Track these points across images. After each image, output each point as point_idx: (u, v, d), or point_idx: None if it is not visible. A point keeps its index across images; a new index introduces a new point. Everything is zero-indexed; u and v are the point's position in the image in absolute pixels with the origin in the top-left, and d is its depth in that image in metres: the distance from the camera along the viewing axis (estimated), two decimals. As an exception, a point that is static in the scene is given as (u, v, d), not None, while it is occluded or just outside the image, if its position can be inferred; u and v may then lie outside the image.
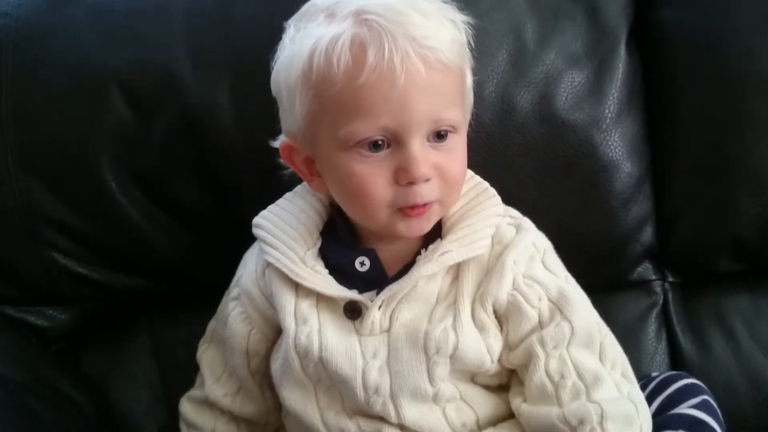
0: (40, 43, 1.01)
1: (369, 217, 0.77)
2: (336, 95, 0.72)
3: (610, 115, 0.99)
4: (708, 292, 1.07)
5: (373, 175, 0.74)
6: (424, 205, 0.76)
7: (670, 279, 1.08)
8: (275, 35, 0.79)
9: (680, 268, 1.08)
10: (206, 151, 1.00)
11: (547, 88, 0.98)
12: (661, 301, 1.07)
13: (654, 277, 1.08)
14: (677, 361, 1.05)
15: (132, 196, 1.02)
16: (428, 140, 0.75)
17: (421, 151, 0.73)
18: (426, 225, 0.78)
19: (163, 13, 1.00)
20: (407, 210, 0.76)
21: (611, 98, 0.99)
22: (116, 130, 1.00)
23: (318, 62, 0.72)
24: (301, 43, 0.74)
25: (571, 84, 0.98)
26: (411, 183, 0.74)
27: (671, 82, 1.02)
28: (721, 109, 0.99)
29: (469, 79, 0.80)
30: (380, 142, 0.74)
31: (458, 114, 0.77)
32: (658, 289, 1.08)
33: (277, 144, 0.82)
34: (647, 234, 1.04)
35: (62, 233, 1.03)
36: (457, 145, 0.77)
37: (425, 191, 0.75)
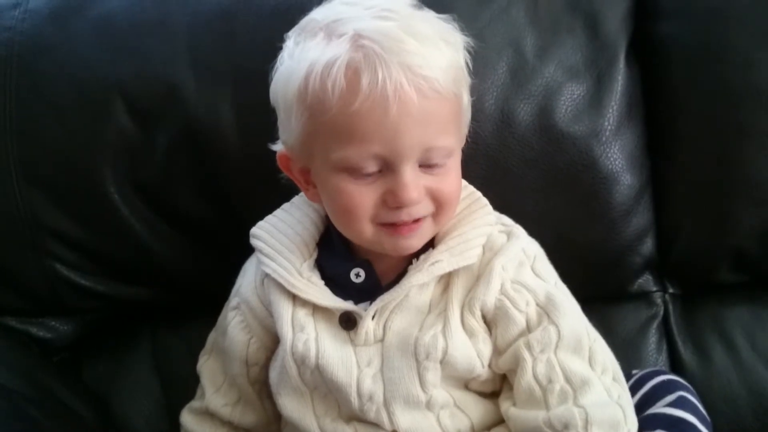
0: (45, 56, 1.02)
1: (356, 233, 0.78)
2: (330, 121, 0.72)
3: (609, 127, 1.00)
4: (708, 304, 1.07)
5: (362, 196, 0.75)
6: (414, 221, 0.76)
7: (671, 290, 1.09)
8: (276, 48, 0.80)
9: (681, 280, 1.08)
10: (208, 162, 1.01)
11: (546, 100, 0.98)
12: (661, 313, 1.07)
13: (654, 289, 1.08)
14: (677, 372, 1.02)
15: (135, 208, 1.03)
16: (420, 165, 0.75)
17: (411, 178, 0.74)
18: (416, 242, 0.78)
19: (165, 27, 1.01)
20: (395, 226, 0.76)
21: (611, 110, 1.00)
22: (119, 143, 1.01)
23: (313, 85, 0.72)
24: (298, 61, 0.74)
25: (570, 96, 0.99)
26: (399, 207, 0.75)
27: (670, 94, 1.02)
28: (721, 120, 1.00)
29: (465, 100, 0.79)
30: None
31: (451, 140, 0.77)
32: (659, 301, 1.08)
33: (275, 148, 0.83)
34: (647, 245, 1.04)
35: (65, 244, 1.04)
36: (451, 168, 0.78)
37: (414, 210, 0.75)
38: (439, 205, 0.77)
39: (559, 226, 1.00)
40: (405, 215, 0.75)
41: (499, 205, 0.86)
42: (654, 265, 1.07)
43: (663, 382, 0.87)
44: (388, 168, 0.74)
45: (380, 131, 0.71)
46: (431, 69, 0.71)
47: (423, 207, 0.76)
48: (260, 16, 1.00)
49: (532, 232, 0.85)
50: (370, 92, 0.70)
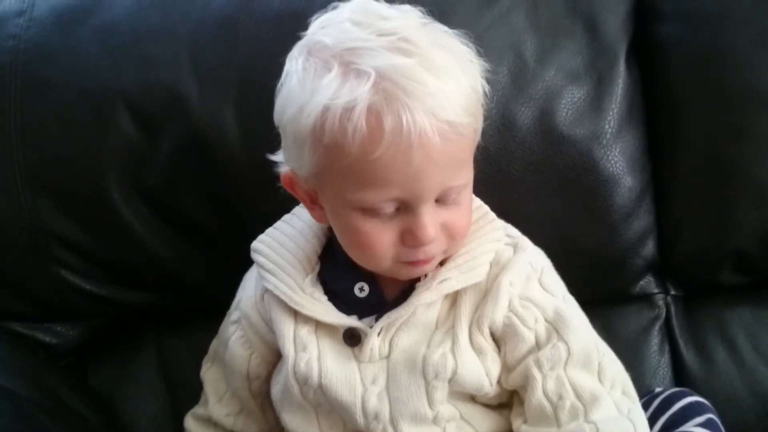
0: (49, 63, 1.02)
1: (371, 266, 0.77)
2: (348, 164, 0.69)
3: (610, 130, 1.00)
4: (710, 305, 1.07)
5: (380, 235, 0.73)
6: (429, 258, 0.76)
7: (673, 292, 1.09)
8: (280, 54, 0.79)
9: (682, 281, 1.08)
10: (212, 168, 1.01)
11: (547, 104, 0.99)
12: (663, 315, 1.07)
13: (656, 291, 1.08)
14: (680, 375, 1.05)
15: (139, 213, 1.03)
16: (436, 200, 0.73)
17: (430, 217, 0.72)
18: (429, 268, 0.78)
19: (169, 33, 1.01)
20: (411, 263, 0.76)
21: (611, 113, 1.00)
22: (123, 148, 1.01)
23: (331, 127, 0.68)
24: (312, 95, 0.70)
25: (571, 100, 0.99)
26: (416, 246, 0.74)
27: (671, 96, 1.02)
28: (721, 122, 1.00)
29: (480, 128, 0.77)
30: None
31: (468, 175, 0.76)
32: (661, 303, 1.08)
33: (275, 158, 0.82)
34: (649, 248, 1.04)
35: (70, 250, 1.05)
36: (464, 199, 0.76)
37: (429, 248, 0.75)
38: (451, 239, 0.76)
39: (560, 229, 1.00)
40: (422, 254, 0.75)
41: (501, 209, 0.86)
42: (656, 267, 1.07)
43: (692, 404, 0.88)
44: (406, 208, 0.72)
45: (401, 177, 0.69)
46: (455, 111, 0.69)
47: (437, 245, 0.75)
48: (263, 22, 1.00)
49: (534, 235, 0.85)
50: (392, 140, 0.67)
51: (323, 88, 0.69)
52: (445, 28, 0.76)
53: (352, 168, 0.70)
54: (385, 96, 0.67)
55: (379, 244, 0.74)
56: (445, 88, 0.69)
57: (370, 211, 0.72)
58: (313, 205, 0.79)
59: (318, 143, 0.70)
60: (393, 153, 0.68)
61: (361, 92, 0.67)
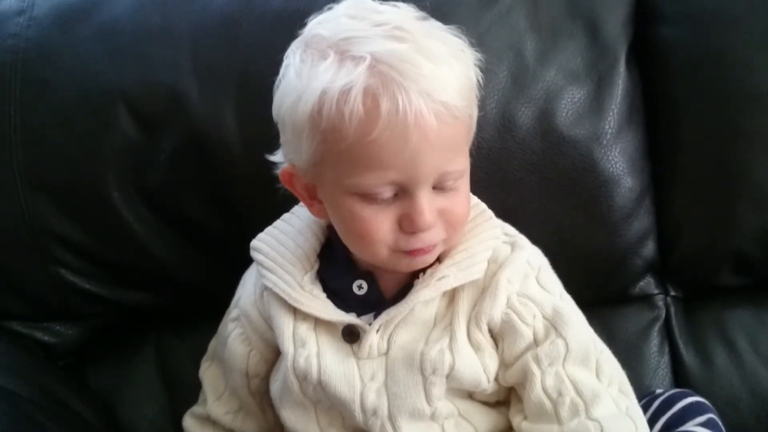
0: (49, 62, 1.03)
1: (370, 255, 0.77)
2: (346, 148, 0.70)
3: (610, 130, 1.00)
4: (710, 306, 1.07)
5: (378, 221, 0.74)
6: (428, 247, 0.76)
7: (672, 293, 1.09)
8: (280, 54, 0.79)
9: (682, 282, 1.08)
10: (212, 168, 1.01)
11: (547, 104, 0.99)
12: (663, 316, 1.07)
13: (656, 292, 1.08)
14: (680, 376, 1.05)
15: (138, 213, 1.03)
16: (434, 186, 0.74)
17: (427, 202, 0.73)
18: (429, 259, 0.78)
19: (169, 33, 1.01)
20: (410, 252, 0.76)
21: (611, 114, 1.00)
22: (123, 148, 1.01)
23: (328, 111, 0.69)
24: (309, 83, 0.71)
25: (571, 100, 0.99)
26: (414, 232, 0.74)
27: (671, 97, 1.02)
28: (721, 123, 1.00)
29: (475, 117, 0.78)
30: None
31: (464, 161, 0.76)
32: (660, 304, 1.08)
33: (275, 158, 0.82)
34: (649, 248, 1.04)
35: (69, 250, 1.05)
36: (462, 186, 0.77)
37: (428, 236, 0.75)
38: (451, 227, 0.76)
39: (560, 230, 1.00)
40: (420, 242, 0.75)
41: (501, 210, 0.86)
42: (655, 268, 1.07)
43: (693, 404, 0.88)
44: (403, 192, 0.73)
45: (398, 159, 0.70)
46: (449, 94, 0.70)
47: (436, 233, 0.75)
48: (263, 22, 1.00)
49: (533, 235, 0.85)
50: (389, 121, 0.68)
51: (320, 74, 0.71)
52: (439, 23, 0.77)
53: (350, 151, 0.70)
54: (380, 78, 0.69)
55: (377, 230, 0.74)
56: (439, 71, 0.70)
57: (368, 197, 0.73)
58: (312, 200, 0.80)
59: (316, 129, 0.71)
60: (389, 134, 0.69)
61: (357, 75, 0.69)
